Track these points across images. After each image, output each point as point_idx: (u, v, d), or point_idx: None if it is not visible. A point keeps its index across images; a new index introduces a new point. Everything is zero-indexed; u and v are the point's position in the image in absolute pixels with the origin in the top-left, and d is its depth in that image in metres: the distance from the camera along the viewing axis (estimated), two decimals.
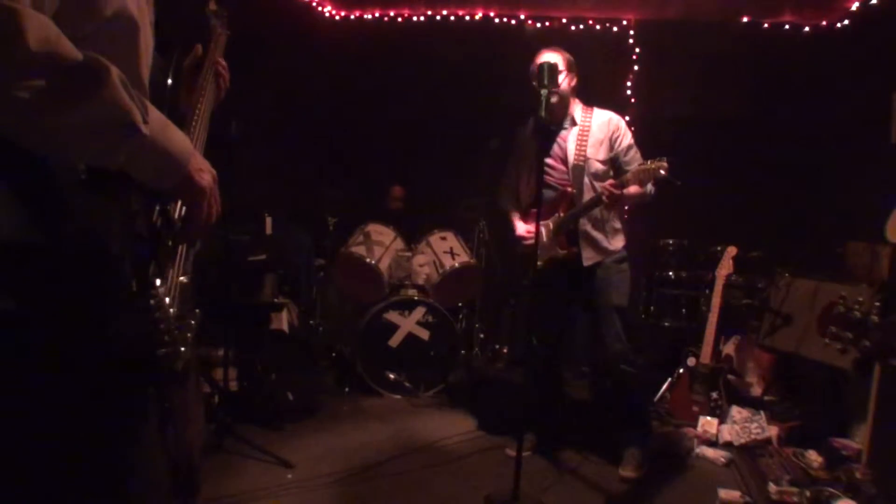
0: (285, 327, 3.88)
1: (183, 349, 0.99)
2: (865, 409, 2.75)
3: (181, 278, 1.08)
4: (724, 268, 3.48)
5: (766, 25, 4.90)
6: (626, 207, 2.95)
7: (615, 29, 5.09)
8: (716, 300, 3.44)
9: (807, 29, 4.85)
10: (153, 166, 0.93)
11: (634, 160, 2.81)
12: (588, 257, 2.87)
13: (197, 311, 1.10)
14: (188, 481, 1.45)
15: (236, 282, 3.51)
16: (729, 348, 3.75)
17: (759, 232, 4.13)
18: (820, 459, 2.81)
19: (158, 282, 0.97)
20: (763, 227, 4.33)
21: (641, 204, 2.92)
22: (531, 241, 2.92)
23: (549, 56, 2.82)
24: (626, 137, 2.86)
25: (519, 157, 3.09)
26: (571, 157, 2.85)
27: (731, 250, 3.50)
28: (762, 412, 3.27)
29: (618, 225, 2.94)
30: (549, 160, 2.92)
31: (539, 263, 2.93)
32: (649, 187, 2.80)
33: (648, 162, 2.55)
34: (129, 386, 0.95)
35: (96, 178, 0.87)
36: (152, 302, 0.95)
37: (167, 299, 0.99)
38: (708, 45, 4.66)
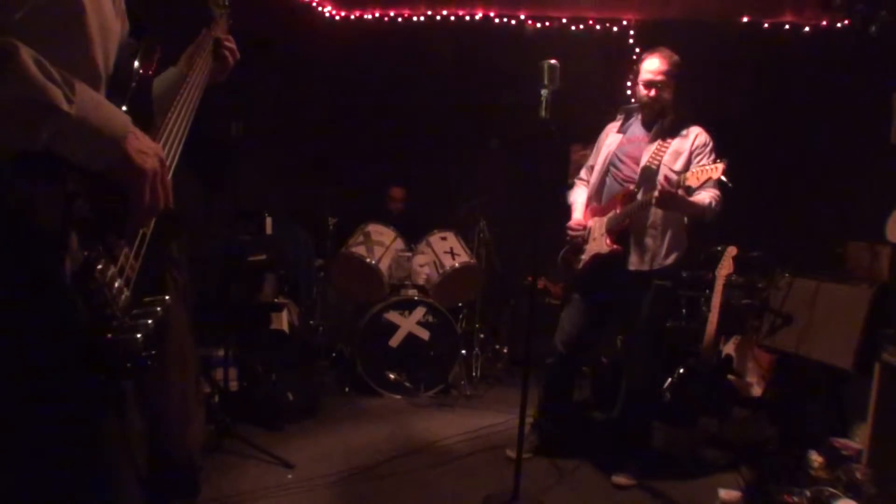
0: (285, 327, 3.88)
1: (139, 336, 0.94)
2: (865, 409, 2.75)
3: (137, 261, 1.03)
4: (724, 268, 3.47)
5: (766, 25, 4.90)
6: (683, 215, 2.84)
7: (615, 29, 5.09)
8: (716, 300, 3.44)
9: (807, 29, 4.85)
10: (83, 147, 0.90)
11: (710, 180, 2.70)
12: (633, 262, 2.77)
13: (166, 297, 1.05)
14: (188, 481, 1.44)
15: (236, 282, 3.51)
16: (729, 348, 3.75)
17: (759, 232, 4.13)
18: (820, 459, 2.81)
19: (101, 266, 0.92)
20: (763, 227, 4.33)
21: (701, 219, 2.77)
22: (574, 235, 2.96)
23: (654, 59, 2.77)
24: (708, 157, 2.76)
25: (597, 152, 3.03)
26: (645, 159, 2.79)
27: (731, 250, 3.49)
28: (762, 412, 3.26)
29: (679, 239, 2.83)
30: (623, 157, 2.88)
31: (584, 257, 2.92)
32: (712, 204, 2.68)
33: (709, 163, 2.49)
34: (73, 377, 0.91)
35: (22, 160, 0.84)
36: (93, 287, 0.90)
37: (116, 283, 0.94)
38: (708, 45, 4.65)
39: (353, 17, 5.25)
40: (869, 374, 2.76)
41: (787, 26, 4.88)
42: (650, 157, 2.78)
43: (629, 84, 5.02)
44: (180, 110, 1.20)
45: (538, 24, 5.14)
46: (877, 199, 3.13)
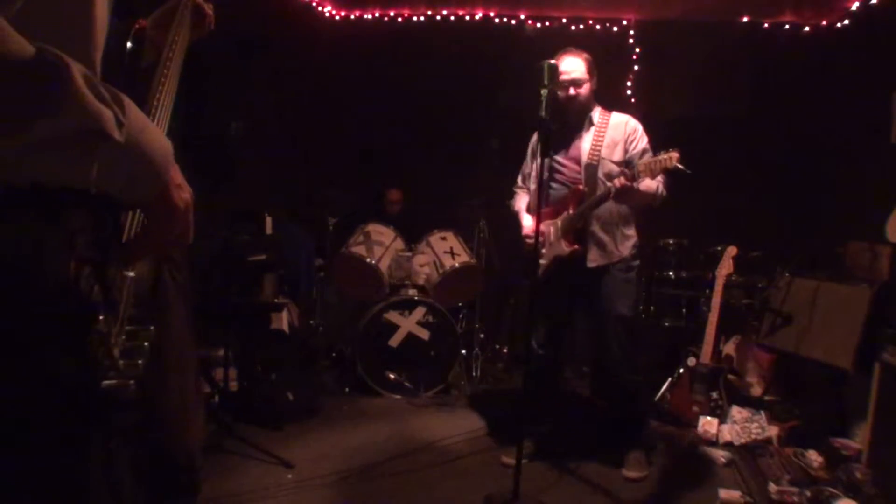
0: (285, 327, 3.88)
1: (132, 382, 0.85)
2: (865, 409, 2.75)
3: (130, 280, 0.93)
4: (724, 268, 3.47)
5: (766, 25, 4.90)
6: (634, 206, 2.88)
7: (615, 29, 5.09)
8: (716, 300, 3.44)
9: (807, 29, 4.85)
10: (125, 176, 0.78)
11: None
12: (593, 259, 2.83)
13: (151, 328, 0.95)
14: (188, 481, 1.44)
15: (236, 282, 3.51)
16: (729, 348, 3.75)
17: (759, 232, 4.13)
18: (820, 459, 2.81)
19: (101, 316, 0.83)
20: (763, 227, 4.33)
21: (651, 206, 2.85)
22: (532, 243, 2.95)
23: (571, 59, 2.82)
24: (642, 141, 2.84)
25: (533, 158, 3.08)
26: (585, 156, 2.83)
27: (731, 250, 3.50)
28: (762, 412, 3.27)
29: (629, 230, 2.89)
30: (562, 159, 2.91)
31: (543, 262, 2.93)
32: (660, 189, 2.75)
33: (660, 153, 2.54)
34: (62, 434, 0.80)
35: (19, 192, 0.71)
36: (94, 337, 0.81)
37: (114, 329, 0.86)
38: (708, 45, 4.66)
39: (353, 17, 5.25)
40: (869, 374, 2.76)
41: (787, 26, 4.88)
42: (589, 155, 2.83)
43: (629, 84, 5.04)
44: (166, 86, 1.07)
45: (538, 24, 5.14)
46: (877, 199, 3.13)
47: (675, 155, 2.48)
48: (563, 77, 2.80)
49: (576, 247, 2.83)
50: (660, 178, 2.73)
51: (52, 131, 0.65)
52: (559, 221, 2.90)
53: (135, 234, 0.92)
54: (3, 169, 0.66)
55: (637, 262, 2.92)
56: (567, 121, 2.90)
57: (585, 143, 2.85)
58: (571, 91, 2.82)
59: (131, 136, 0.75)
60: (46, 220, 0.75)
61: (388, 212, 4.93)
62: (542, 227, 2.95)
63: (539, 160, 2.51)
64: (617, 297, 2.83)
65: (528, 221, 3.03)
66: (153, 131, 0.82)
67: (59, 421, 0.79)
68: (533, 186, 3.03)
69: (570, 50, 2.87)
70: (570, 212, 2.84)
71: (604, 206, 2.78)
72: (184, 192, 0.88)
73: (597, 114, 2.89)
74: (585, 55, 2.86)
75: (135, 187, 0.81)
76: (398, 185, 5.04)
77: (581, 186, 2.83)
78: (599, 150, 2.81)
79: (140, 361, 0.89)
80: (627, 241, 2.88)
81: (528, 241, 2.98)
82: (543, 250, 2.95)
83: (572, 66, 2.82)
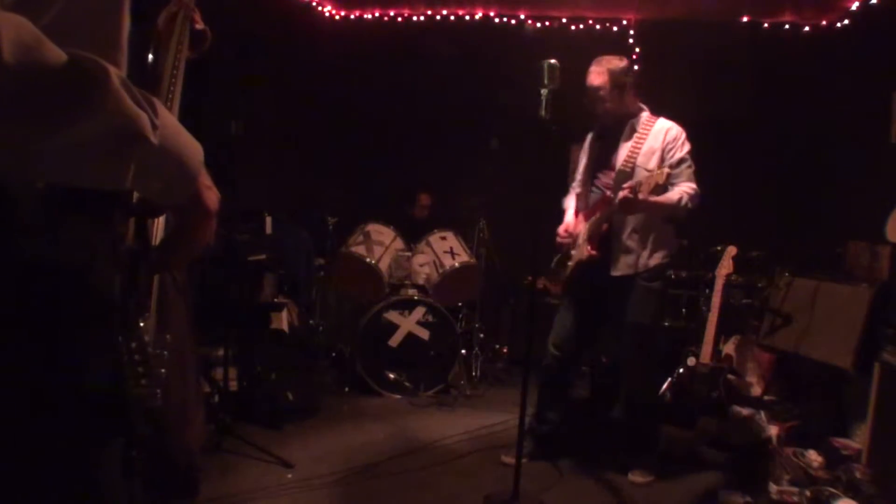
0: (285, 327, 3.87)
1: (159, 391, 0.86)
2: (865, 409, 2.75)
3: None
4: (724, 268, 3.47)
5: (766, 25, 4.90)
6: (659, 217, 2.83)
7: (615, 29, 5.09)
8: (716, 300, 3.44)
9: (807, 29, 4.85)
10: (162, 180, 0.78)
11: (683, 174, 2.71)
12: (617, 267, 2.78)
13: (168, 336, 0.96)
14: (188, 481, 1.44)
15: (236, 282, 3.51)
16: (729, 348, 3.75)
17: (759, 232, 4.13)
18: (820, 459, 2.81)
19: (142, 322, 0.85)
20: (763, 227, 4.33)
21: (673, 217, 2.78)
22: (561, 241, 3.01)
23: (593, 72, 2.79)
24: (680, 151, 2.75)
25: (582, 162, 3.09)
26: (619, 163, 2.79)
27: (731, 250, 3.49)
28: (762, 412, 3.27)
29: (663, 240, 2.81)
30: (601, 164, 2.92)
31: (571, 263, 2.95)
32: (683, 200, 2.66)
33: (656, 169, 2.52)
34: (86, 441, 0.80)
35: (73, 196, 0.72)
36: (134, 345, 0.82)
37: (147, 337, 0.87)
38: (708, 45, 4.66)
39: (353, 17, 5.25)
40: (869, 374, 2.76)
41: (787, 26, 4.88)
42: (623, 161, 2.79)
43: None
44: (175, 95, 1.08)
45: (538, 24, 5.14)
46: (877, 199, 3.13)
47: (665, 171, 2.47)
48: (588, 94, 2.80)
49: (594, 253, 2.78)
50: (684, 188, 2.68)
51: (91, 132, 0.66)
52: (587, 225, 2.89)
53: (161, 240, 0.93)
54: (46, 171, 0.67)
55: (669, 271, 2.90)
56: (608, 126, 2.89)
57: (623, 150, 2.81)
58: (599, 108, 2.80)
59: (166, 138, 0.74)
60: (98, 226, 0.76)
61: (417, 215, 4.90)
62: (578, 228, 2.97)
63: (540, 163, 2.51)
64: (638, 306, 2.79)
65: (567, 221, 3.05)
66: (185, 134, 0.81)
67: (86, 429, 0.79)
68: (579, 189, 3.04)
69: (594, 62, 2.81)
70: (597, 216, 2.83)
71: (638, 215, 2.73)
72: (213, 193, 0.88)
73: (641, 120, 2.82)
74: (611, 66, 2.76)
75: (171, 190, 0.80)
76: (427, 189, 4.98)
77: (609, 193, 2.80)
78: (635, 158, 2.75)
79: (162, 371, 0.89)
80: (659, 251, 2.80)
81: (558, 240, 3.01)
82: (573, 251, 2.96)
83: (593, 80, 2.78)
